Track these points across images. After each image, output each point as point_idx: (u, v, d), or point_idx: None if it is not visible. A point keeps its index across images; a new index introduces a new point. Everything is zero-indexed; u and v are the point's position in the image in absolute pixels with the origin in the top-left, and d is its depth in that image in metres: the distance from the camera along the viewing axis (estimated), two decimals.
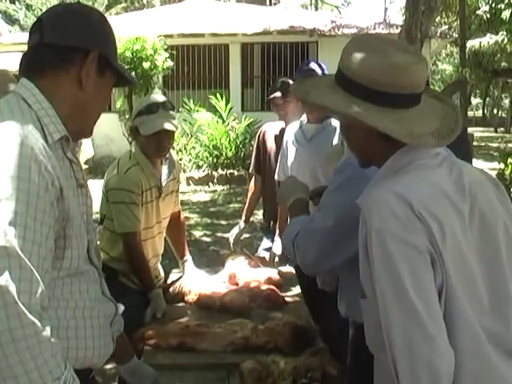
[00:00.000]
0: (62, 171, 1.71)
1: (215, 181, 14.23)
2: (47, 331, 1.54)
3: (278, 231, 4.45)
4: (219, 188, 13.89)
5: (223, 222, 10.13)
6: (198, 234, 9.53)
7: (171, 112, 3.38)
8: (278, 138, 4.64)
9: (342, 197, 2.27)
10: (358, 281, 2.36)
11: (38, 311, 1.52)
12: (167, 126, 3.31)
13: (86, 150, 4.32)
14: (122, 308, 2.11)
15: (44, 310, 1.56)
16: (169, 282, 3.74)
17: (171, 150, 3.59)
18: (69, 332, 1.74)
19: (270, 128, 4.91)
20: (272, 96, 4.62)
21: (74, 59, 1.79)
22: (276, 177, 4.40)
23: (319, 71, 4.00)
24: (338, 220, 2.26)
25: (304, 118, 4.15)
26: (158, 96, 3.53)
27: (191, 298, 3.43)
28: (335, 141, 3.97)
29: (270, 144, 4.82)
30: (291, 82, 4.60)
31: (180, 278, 3.73)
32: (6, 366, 1.47)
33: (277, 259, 4.34)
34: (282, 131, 4.52)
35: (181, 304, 3.46)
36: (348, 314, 2.48)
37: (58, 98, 1.77)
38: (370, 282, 1.66)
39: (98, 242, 3.53)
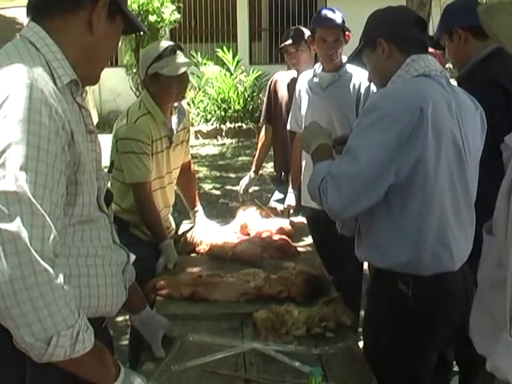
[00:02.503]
0: (72, 116, 1.66)
1: (223, 134, 14.13)
2: (60, 278, 1.50)
3: (290, 183, 4.39)
4: (228, 141, 13.81)
5: (232, 175, 10.10)
6: (207, 187, 9.51)
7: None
8: (290, 87, 4.56)
9: (370, 139, 2.23)
10: (379, 224, 2.32)
11: (50, 258, 1.48)
12: (189, 65, 3.35)
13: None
14: (133, 257, 2.08)
15: (56, 256, 1.52)
16: (180, 233, 3.72)
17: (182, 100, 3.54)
18: (81, 280, 1.71)
19: (282, 77, 4.83)
20: (284, 44, 4.52)
21: (85, 2, 1.72)
22: (288, 127, 4.33)
23: (335, 17, 3.90)
24: (366, 163, 2.21)
25: (318, 66, 4.05)
26: (166, 41, 3.53)
27: (203, 248, 3.41)
28: (351, 89, 3.89)
29: (282, 93, 4.74)
30: (304, 30, 4.51)
31: (191, 228, 3.70)
32: (19, 314, 1.45)
33: (291, 211, 4.30)
34: (294, 80, 4.44)
35: (192, 254, 3.44)
36: (367, 259, 2.44)
37: (67, 41, 1.72)
38: (504, 221, 1.59)
39: None
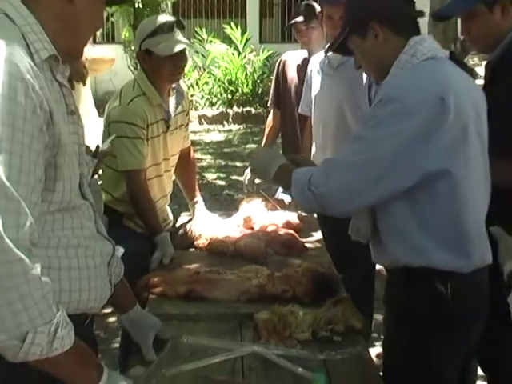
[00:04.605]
0: (51, 94, 1.66)
1: (230, 119, 14.14)
2: (37, 269, 1.50)
3: None
4: (234, 127, 13.82)
5: (238, 164, 10.10)
6: (210, 176, 9.52)
7: (183, 31, 3.33)
8: (301, 69, 4.56)
9: (384, 132, 2.19)
10: (408, 222, 2.30)
11: (26, 247, 1.48)
12: (185, 45, 3.28)
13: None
14: (121, 250, 2.08)
15: (33, 246, 1.52)
16: (177, 225, 3.72)
17: (180, 80, 3.53)
18: (61, 273, 1.71)
19: (292, 57, 4.82)
20: (294, 21, 4.52)
21: None
22: (300, 110, 4.34)
23: None
24: (376, 156, 2.19)
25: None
26: (166, 16, 3.47)
27: (202, 242, 3.41)
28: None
29: (291, 75, 4.74)
30: (316, 5, 4.50)
31: (189, 221, 3.71)
32: None
33: None
34: (305, 61, 4.44)
35: (190, 249, 3.44)
36: (399, 261, 2.37)
37: (45, 12, 1.71)
38: None
39: (100, 182, 3.50)
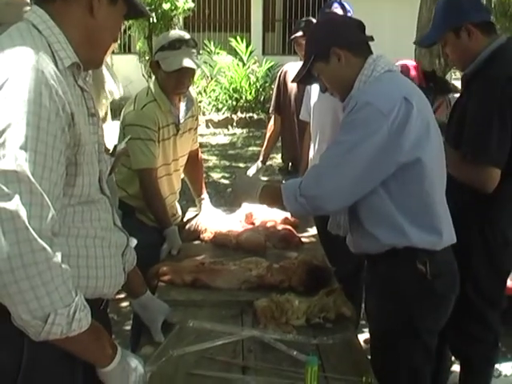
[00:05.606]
0: (73, 98, 1.66)
1: (234, 124, 14.14)
2: (58, 257, 1.51)
3: (300, 174, 4.38)
4: (238, 131, 13.81)
5: (241, 165, 10.10)
6: (216, 176, 9.52)
7: (194, 50, 3.28)
8: None
9: (361, 134, 2.27)
10: (379, 209, 2.37)
11: (48, 237, 1.49)
12: (189, 63, 3.21)
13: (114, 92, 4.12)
14: (134, 241, 2.08)
15: (55, 236, 1.53)
16: (185, 220, 3.72)
17: (190, 88, 3.52)
18: (79, 261, 1.71)
19: (292, 68, 4.81)
20: (294, 36, 4.51)
21: None
22: (300, 117, 4.35)
23: (337, 12, 3.89)
24: (357, 156, 2.26)
25: None
26: (181, 32, 3.41)
27: (207, 235, 3.41)
28: None
29: (291, 84, 4.72)
30: (314, 21, 4.49)
31: (196, 215, 3.71)
32: (17, 291, 1.45)
33: None
34: None
35: (196, 242, 3.44)
36: (384, 243, 2.41)
37: (69, 24, 1.72)
38: None
39: (114, 179, 3.50)
